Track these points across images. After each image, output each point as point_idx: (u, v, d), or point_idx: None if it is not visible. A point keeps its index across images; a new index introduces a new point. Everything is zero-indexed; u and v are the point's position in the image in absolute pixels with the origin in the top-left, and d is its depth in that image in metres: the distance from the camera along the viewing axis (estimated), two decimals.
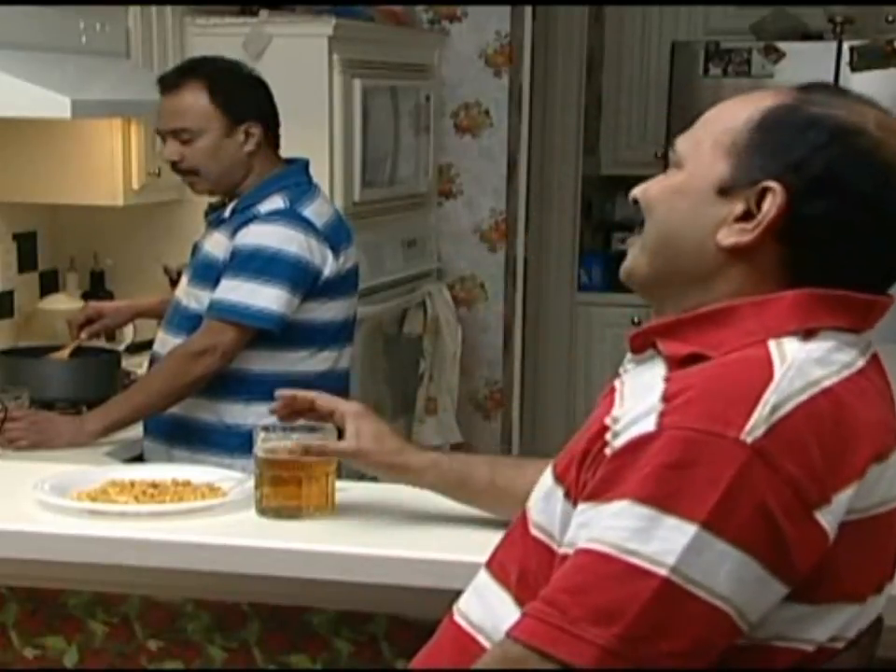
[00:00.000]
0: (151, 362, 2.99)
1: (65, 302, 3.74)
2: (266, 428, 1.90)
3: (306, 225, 2.79)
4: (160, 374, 2.79)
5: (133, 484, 2.02)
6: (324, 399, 1.88)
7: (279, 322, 2.76)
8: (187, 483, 2.03)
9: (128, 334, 3.65)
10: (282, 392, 1.91)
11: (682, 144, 1.41)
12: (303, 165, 2.94)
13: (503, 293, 4.94)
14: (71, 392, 3.04)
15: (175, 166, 2.85)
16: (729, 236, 1.34)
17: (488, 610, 1.41)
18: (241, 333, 2.74)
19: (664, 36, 5.58)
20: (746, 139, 1.35)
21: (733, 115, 1.37)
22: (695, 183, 1.37)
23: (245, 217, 2.81)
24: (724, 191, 1.35)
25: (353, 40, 4.02)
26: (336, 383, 2.91)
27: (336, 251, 2.85)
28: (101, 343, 3.59)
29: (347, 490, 1.97)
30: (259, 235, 2.77)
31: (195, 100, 2.80)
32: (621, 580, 1.22)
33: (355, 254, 2.95)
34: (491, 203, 4.87)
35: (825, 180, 1.31)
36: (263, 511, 1.90)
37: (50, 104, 2.96)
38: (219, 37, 3.88)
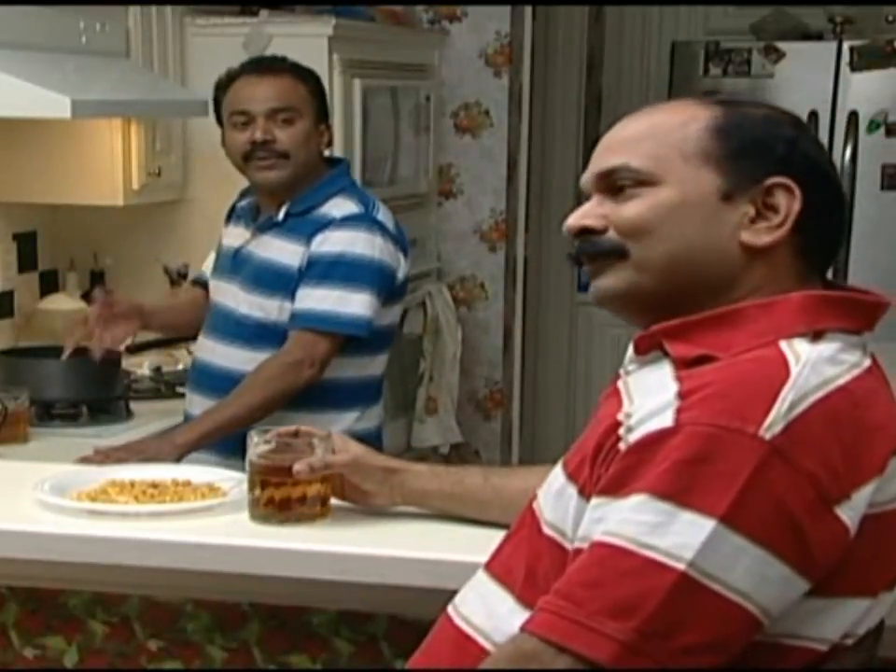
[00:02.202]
0: (195, 368, 2.95)
1: (65, 302, 3.74)
2: (259, 433, 1.90)
3: (383, 230, 2.80)
4: (255, 386, 2.72)
5: (132, 484, 2.02)
6: (307, 429, 1.93)
7: (369, 328, 2.75)
8: (187, 483, 2.03)
9: None
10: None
11: (639, 161, 1.41)
12: (347, 166, 2.94)
13: (503, 293, 4.94)
14: (71, 392, 3.04)
15: (264, 147, 2.77)
16: (759, 236, 1.37)
17: (489, 612, 1.41)
18: (335, 342, 2.73)
19: (664, 36, 5.58)
20: (718, 146, 1.38)
21: (675, 126, 1.41)
22: (693, 195, 1.38)
23: (314, 221, 2.78)
24: (727, 197, 1.38)
25: (353, 40, 4.02)
26: (382, 388, 2.96)
27: (405, 254, 2.86)
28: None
29: None
30: (339, 241, 2.75)
31: (296, 86, 2.83)
32: (638, 574, 1.22)
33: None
34: (491, 203, 4.87)
35: (809, 168, 1.39)
36: (257, 517, 1.89)
37: (50, 104, 2.96)
38: (219, 37, 3.89)
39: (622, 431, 1.29)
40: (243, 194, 3.00)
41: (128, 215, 3.83)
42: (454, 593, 1.49)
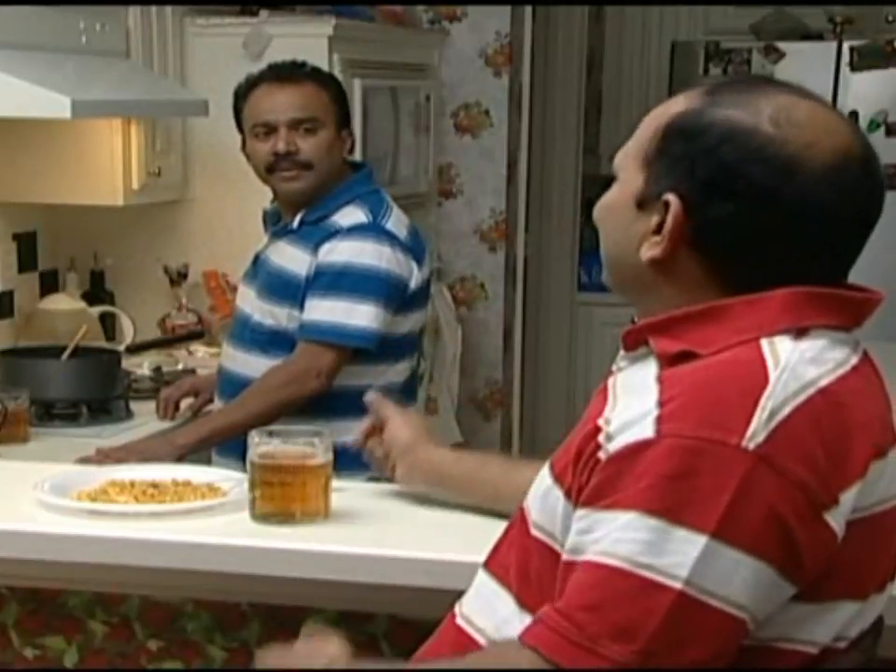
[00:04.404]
0: (219, 375, 2.95)
1: (65, 302, 3.74)
2: (261, 433, 1.90)
3: (392, 239, 2.76)
4: (259, 394, 2.71)
5: (132, 484, 2.01)
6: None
7: (376, 340, 2.72)
8: (187, 483, 2.03)
9: (128, 334, 3.66)
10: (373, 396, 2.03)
11: (617, 157, 1.42)
12: (369, 173, 2.90)
13: (503, 293, 4.94)
14: (71, 392, 3.04)
15: (287, 158, 2.75)
16: (647, 250, 1.35)
17: (490, 612, 1.41)
18: (341, 354, 2.71)
19: (664, 36, 5.59)
20: (654, 149, 1.36)
21: (651, 123, 1.38)
22: (622, 198, 1.39)
23: (323, 230, 2.76)
24: (641, 205, 1.36)
25: (353, 40, 4.02)
26: (412, 391, 2.94)
27: (419, 263, 2.82)
28: (101, 342, 3.60)
29: (346, 490, 1.97)
30: (345, 252, 2.72)
31: (318, 94, 2.80)
32: (636, 595, 1.21)
33: (429, 263, 2.91)
34: (491, 203, 4.87)
35: (717, 184, 1.31)
36: (257, 517, 1.89)
37: (50, 104, 2.96)
38: (219, 37, 3.89)
39: (601, 438, 1.28)
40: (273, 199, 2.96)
41: (128, 215, 3.83)
42: (453, 593, 1.49)
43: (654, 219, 1.34)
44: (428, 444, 1.93)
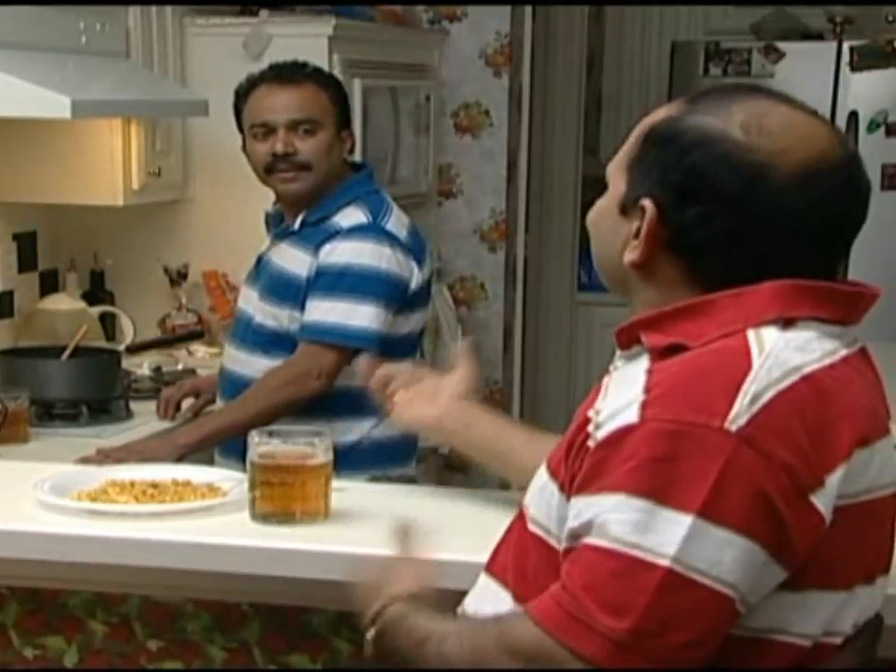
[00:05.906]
0: (220, 376, 2.95)
1: (65, 302, 3.73)
2: (261, 433, 1.90)
3: (392, 239, 2.75)
4: (260, 394, 2.71)
5: (132, 484, 2.02)
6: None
7: (377, 340, 2.71)
8: (187, 483, 2.03)
9: (128, 334, 3.66)
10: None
11: (609, 166, 1.46)
12: (370, 173, 2.90)
13: (503, 293, 4.94)
14: (71, 392, 3.03)
15: (285, 159, 2.75)
16: (628, 254, 1.39)
17: (491, 611, 1.42)
18: (342, 354, 2.71)
19: (664, 36, 5.59)
20: (634, 156, 1.40)
21: (637, 132, 1.43)
22: (609, 205, 1.43)
23: (324, 231, 2.76)
24: (623, 210, 1.40)
25: (353, 40, 4.02)
26: None
27: (420, 263, 2.82)
28: (101, 342, 3.60)
29: (346, 490, 1.97)
30: (346, 252, 2.72)
31: (318, 95, 2.80)
32: (626, 573, 1.24)
33: (430, 263, 2.91)
34: (491, 203, 4.87)
35: (687, 189, 1.34)
36: (257, 517, 1.89)
37: (50, 104, 2.96)
38: (219, 37, 3.89)
39: (590, 428, 1.31)
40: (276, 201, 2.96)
41: (128, 215, 3.82)
42: (454, 593, 1.49)
43: (635, 224, 1.38)
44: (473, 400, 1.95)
